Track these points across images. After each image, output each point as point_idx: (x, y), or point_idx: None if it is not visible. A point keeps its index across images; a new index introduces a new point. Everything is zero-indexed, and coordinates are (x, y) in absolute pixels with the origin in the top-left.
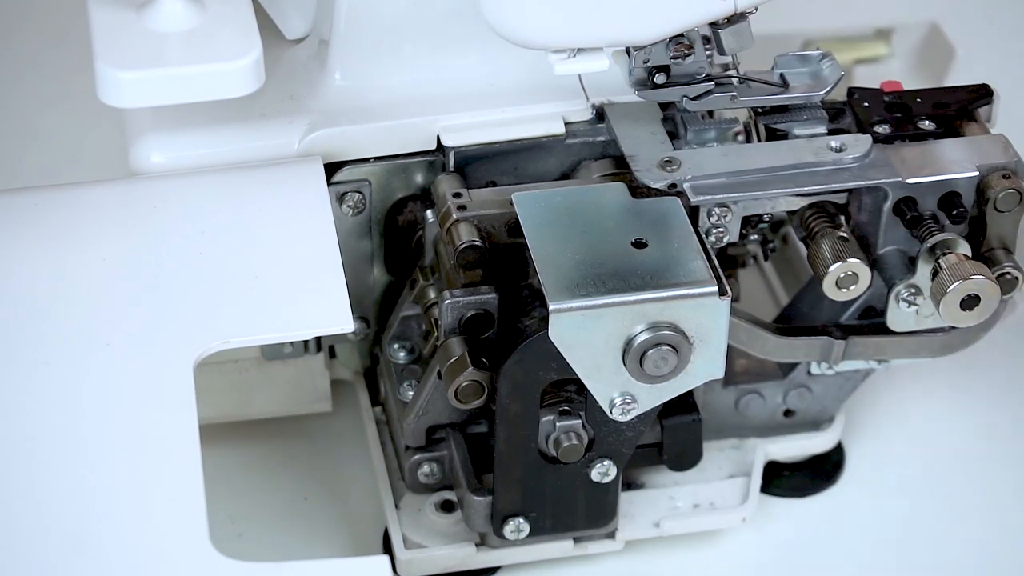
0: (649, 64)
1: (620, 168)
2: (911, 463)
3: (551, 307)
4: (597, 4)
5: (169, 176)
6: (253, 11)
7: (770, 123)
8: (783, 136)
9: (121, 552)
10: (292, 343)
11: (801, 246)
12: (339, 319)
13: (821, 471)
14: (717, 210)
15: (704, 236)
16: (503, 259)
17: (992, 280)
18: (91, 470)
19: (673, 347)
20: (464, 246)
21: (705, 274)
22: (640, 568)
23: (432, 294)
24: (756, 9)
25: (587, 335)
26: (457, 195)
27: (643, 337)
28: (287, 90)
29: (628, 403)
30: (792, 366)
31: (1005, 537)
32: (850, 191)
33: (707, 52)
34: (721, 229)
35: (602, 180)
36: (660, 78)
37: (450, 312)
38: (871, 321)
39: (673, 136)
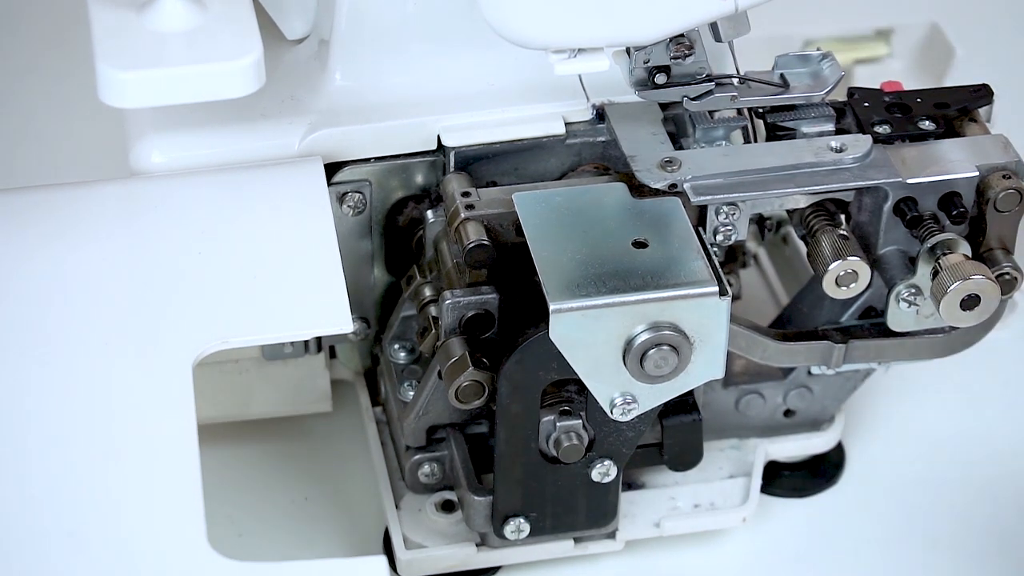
0: (649, 64)
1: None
2: (911, 463)
3: (551, 307)
4: (597, 4)
5: (169, 176)
6: (253, 11)
7: (777, 121)
8: (790, 134)
9: (119, 552)
10: (292, 343)
11: (801, 246)
12: (338, 319)
13: (821, 471)
14: (725, 208)
15: (712, 235)
16: (510, 258)
17: (992, 280)
18: (89, 470)
19: (673, 347)
20: (473, 245)
21: (705, 274)
22: (640, 568)
23: (428, 292)
24: None
25: (587, 335)
26: (465, 194)
27: (643, 337)
28: (287, 90)
29: (628, 403)
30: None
31: (1005, 537)
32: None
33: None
34: (729, 227)
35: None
36: (660, 78)
37: (450, 312)
38: (871, 322)
39: (677, 136)
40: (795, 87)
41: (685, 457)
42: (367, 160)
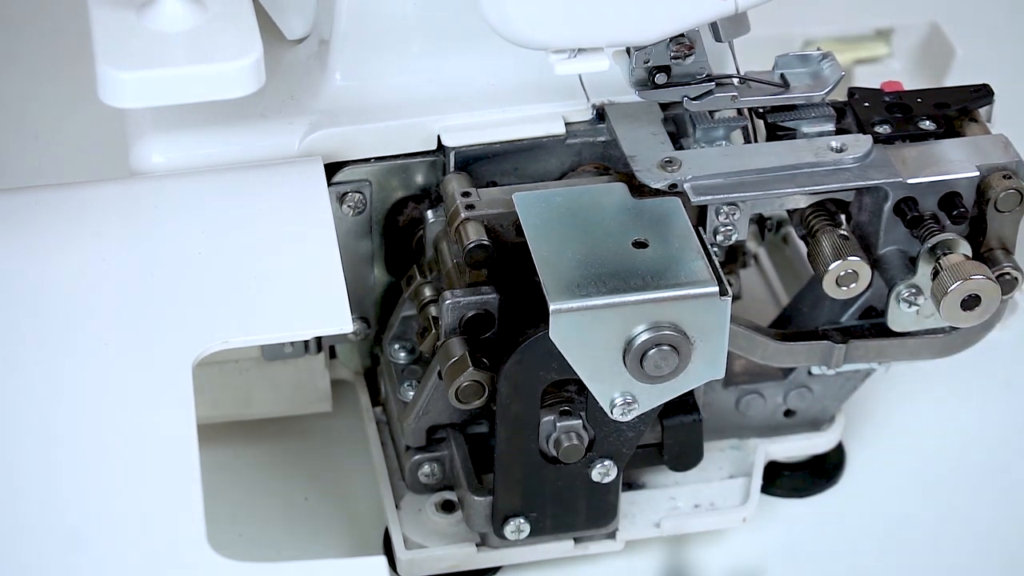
0: (650, 64)
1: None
2: (911, 463)
3: (551, 307)
4: (598, 4)
5: (169, 176)
6: (253, 11)
7: (777, 121)
8: (791, 134)
9: (118, 553)
10: (292, 343)
11: (801, 245)
12: (338, 319)
13: (821, 471)
14: (726, 208)
15: (712, 235)
16: (510, 258)
17: (992, 280)
18: (89, 470)
19: (674, 347)
20: (473, 245)
21: (706, 274)
22: (640, 568)
23: (428, 292)
24: None
25: (587, 335)
26: (466, 194)
27: (644, 337)
28: (287, 90)
29: (628, 403)
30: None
31: (1005, 537)
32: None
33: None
34: (729, 227)
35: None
36: (661, 78)
37: (451, 312)
38: (871, 322)
39: (677, 136)
40: (795, 87)
41: (685, 457)
42: (367, 160)
